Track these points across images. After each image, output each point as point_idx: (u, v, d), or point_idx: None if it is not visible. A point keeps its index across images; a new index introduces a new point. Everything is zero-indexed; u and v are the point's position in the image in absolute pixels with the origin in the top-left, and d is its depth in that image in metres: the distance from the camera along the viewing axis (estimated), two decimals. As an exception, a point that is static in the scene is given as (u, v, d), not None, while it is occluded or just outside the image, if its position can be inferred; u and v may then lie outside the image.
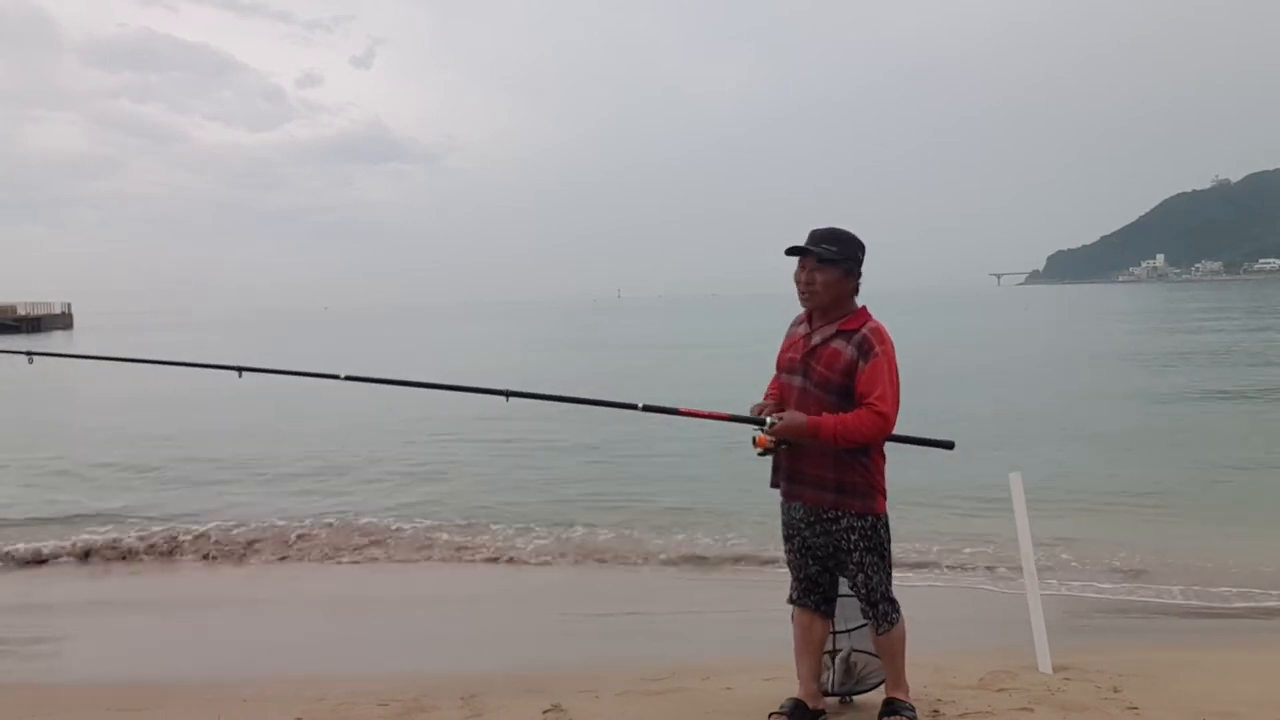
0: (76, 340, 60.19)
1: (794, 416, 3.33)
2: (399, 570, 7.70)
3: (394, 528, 8.61)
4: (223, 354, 44.13)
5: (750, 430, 3.41)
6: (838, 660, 3.83)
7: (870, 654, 3.83)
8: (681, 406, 3.64)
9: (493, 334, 63.35)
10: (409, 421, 16.17)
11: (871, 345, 3.34)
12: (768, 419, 3.36)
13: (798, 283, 3.47)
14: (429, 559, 7.89)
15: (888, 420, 3.30)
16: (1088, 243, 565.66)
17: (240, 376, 4.50)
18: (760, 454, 3.44)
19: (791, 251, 3.44)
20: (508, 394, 3.96)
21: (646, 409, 3.62)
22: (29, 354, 4.78)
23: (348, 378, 4.18)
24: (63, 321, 73.97)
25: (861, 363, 3.32)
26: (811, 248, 3.41)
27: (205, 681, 5.05)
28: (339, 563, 7.85)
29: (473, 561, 7.79)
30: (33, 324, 65.98)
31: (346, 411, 17.55)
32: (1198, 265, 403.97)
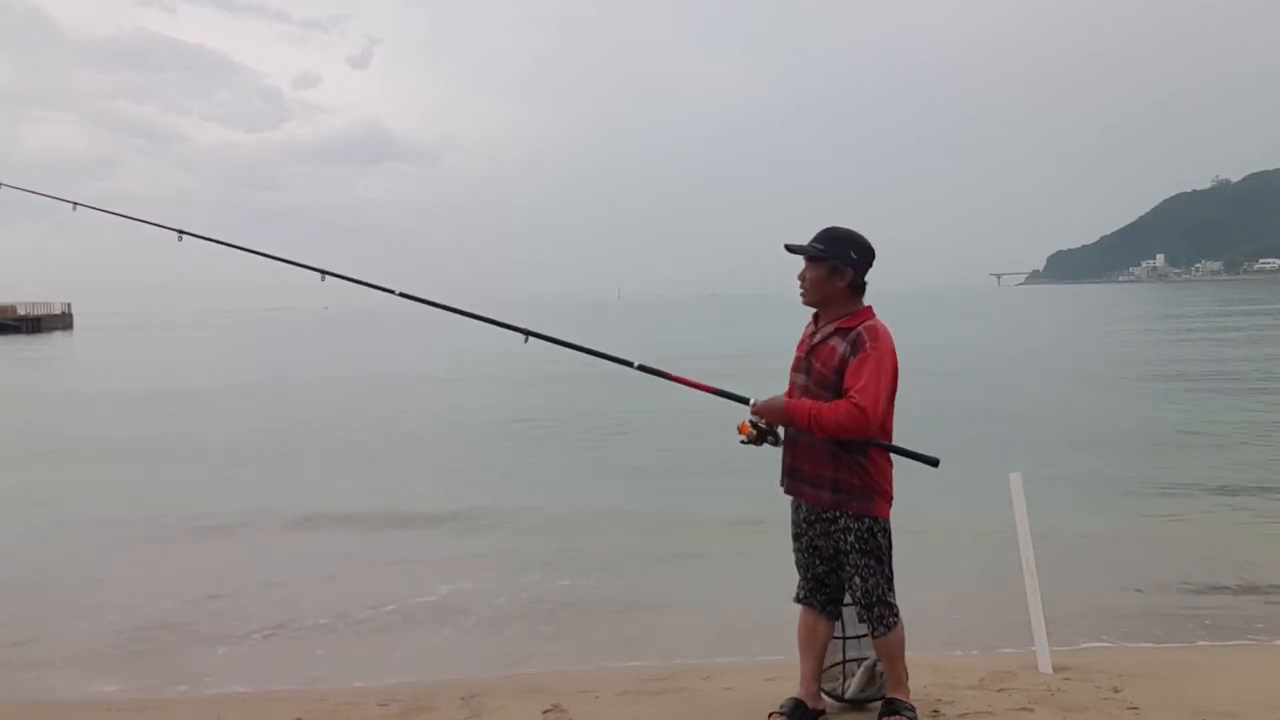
0: (76, 340, 60.21)
1: (773, 399, 3.42)
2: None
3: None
4: (246, 352, 44.06)
5: (739, 420, 3.47)
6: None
7: None
8: (674, 373, 3.74)
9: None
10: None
11: (864, 342, 3.34)
12: (751, 398, 3.46)
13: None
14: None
15: (865, 415, 3.21)
16: (1088, 243, 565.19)
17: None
18: (743, 442, 3.47)
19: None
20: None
21: (641, 369, 3.78)
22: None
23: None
24: (63, 322, 73.96)
25: (851, 358, 3.33)
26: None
27: (206, 681, 5.05)
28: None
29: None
30: (33, 324, 65.99)
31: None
32: (1198, 265, 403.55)
